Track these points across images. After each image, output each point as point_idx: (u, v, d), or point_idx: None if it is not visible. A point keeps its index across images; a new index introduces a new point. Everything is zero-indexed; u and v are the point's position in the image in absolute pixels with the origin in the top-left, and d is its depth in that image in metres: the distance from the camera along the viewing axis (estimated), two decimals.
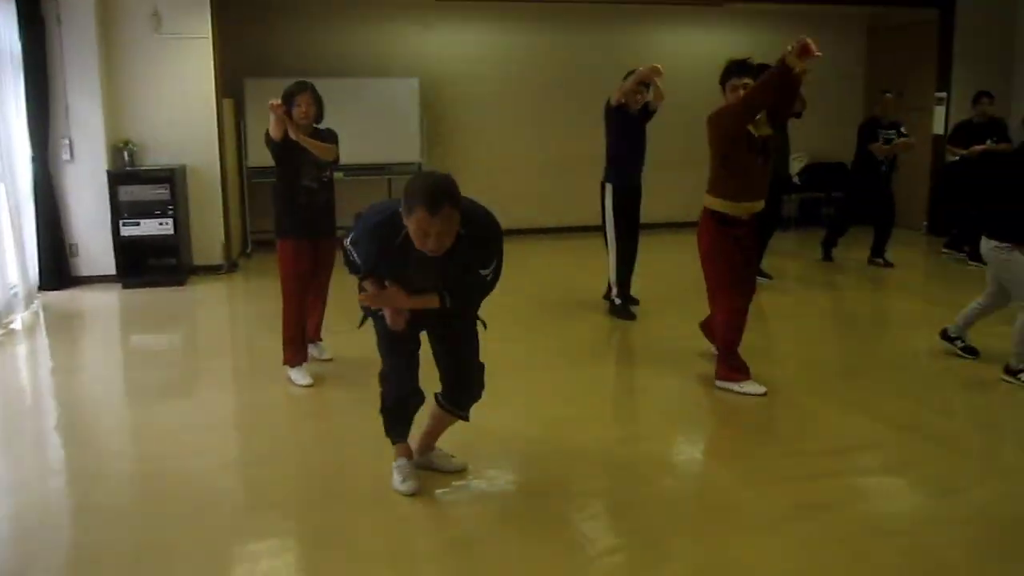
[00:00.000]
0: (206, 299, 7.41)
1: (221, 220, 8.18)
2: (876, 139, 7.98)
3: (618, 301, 6.37)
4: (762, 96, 4.34)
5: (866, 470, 3.80)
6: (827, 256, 8.49)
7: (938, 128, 9.84)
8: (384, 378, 3.47)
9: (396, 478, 3.51)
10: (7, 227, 6.52)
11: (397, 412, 3.50)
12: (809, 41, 4.15)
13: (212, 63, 7.90)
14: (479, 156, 9.78)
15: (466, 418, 3.49)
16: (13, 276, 6.52)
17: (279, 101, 4.62)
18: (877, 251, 8.28)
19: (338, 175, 5.04)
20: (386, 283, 3.13)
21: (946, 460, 3.88)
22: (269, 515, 3.39)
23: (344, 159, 5.14)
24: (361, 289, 3.20)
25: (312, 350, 5.20)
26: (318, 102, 4.77)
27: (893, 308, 7.33)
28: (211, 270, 8.12)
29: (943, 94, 9.80)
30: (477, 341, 3.41)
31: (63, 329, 6.49)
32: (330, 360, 5.28)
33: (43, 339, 6.16)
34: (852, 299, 7.53)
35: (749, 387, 4.66)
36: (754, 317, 4.91)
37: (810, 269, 8.34)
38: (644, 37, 10.32)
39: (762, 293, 5.79)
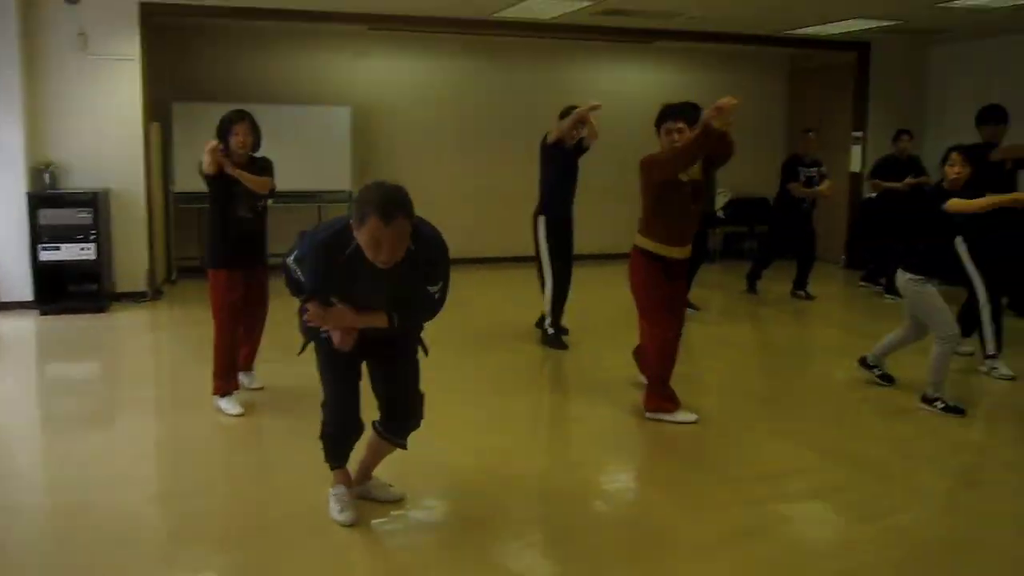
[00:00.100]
0: (129, 327, 7.21)
1: (146, 246, 7.99)
2: (797, 177, 8.25)
3: (551, 331, 6.43)
4: (690, 156, 4.44)
5: (795, 495, 3.90)
6: (751, 288, 8.71)
7: (855, 166, 10.25)
8: (325, 407, 3.42)
9: (333, 507, 3.45)
10: None
11: (337, 439, 3.45)
12: (722, 103, 4.26)
13: (140, 85, 7.76)
14: (410, 185, 9.39)
15: (404, 446, 3.47)
16: None
17: (217, 142, 4.56)
18: (799, 284, 8.54)
19: (269, 202, 5.00)
20: (333, 301, 3.08)
21: (869, 485, 4.00)
22: (199, 548, 3.31)
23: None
24: (303, 310, 3.13)
25: (243, 379, 5.11)
26: (255, 131, 4.72)
27: (815, 339, 7.56)
28: (134, 297, 7.90)
29: (860, 133, 10.22)
30: (418, 370, 3.40)
31: None
32: (261, 389, 5.19)
33: None
34: (776, 330, 7.74)
35: (681, 416, 4.75)
36: (682, 347, 5.01)
37: (735, 301, 8.55)
38: (576, 72, 10.51)
39: (690, 324, 5.91)
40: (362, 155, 9.59)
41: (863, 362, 5.56)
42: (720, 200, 10.33)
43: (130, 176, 7.82)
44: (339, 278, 3.03)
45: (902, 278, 5.10)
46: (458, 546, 3.33)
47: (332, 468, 3.52)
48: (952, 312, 5.12)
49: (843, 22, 8.59)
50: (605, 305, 7.65)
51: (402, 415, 3.39)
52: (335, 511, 3.44)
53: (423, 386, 3.46)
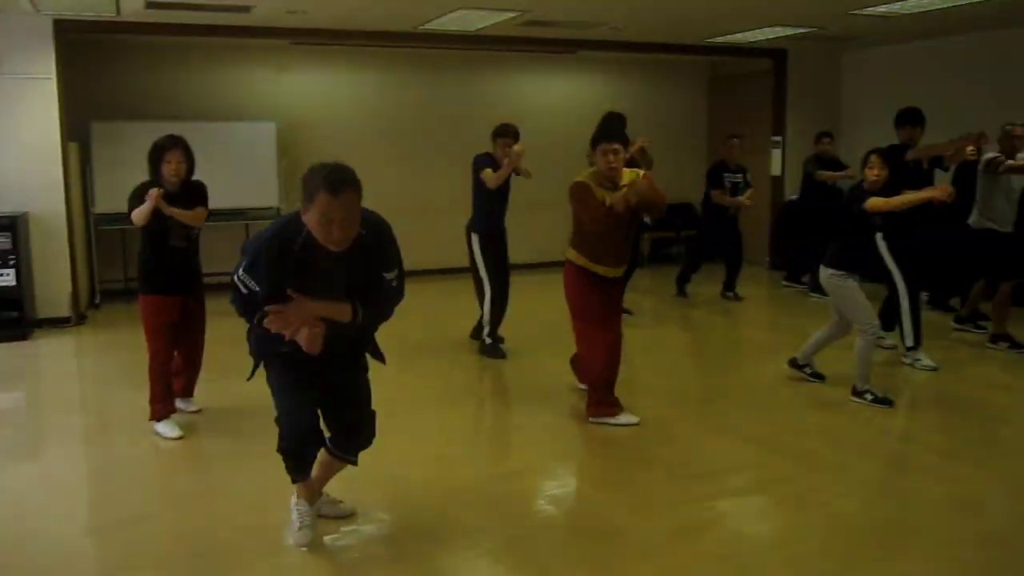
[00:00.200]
0: (54, 354, 6.97)
1: (67, 270, 7.73)
2: (723, 183, 8.45)
3: (488, 341, 6.45)
4: (613, 223, 4.58)
5: (737, 490, 4.00)
6: (681, 292, 8.87)
7: (775, 170, 10.55)
8: (280, 419, 3.26)
9: (294, 522, 3.40)
10: None
11: (296, 451, 3.28)
12: (621, 197, 4.47)
13: (57, 105, 7.53)
14: None
15: (355, 463, 3.44)
16: None
17: (160, 191, 4.43)
18: (728, 286, 8.74)
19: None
20: (290, 295, 2.93)
21: (807, 476, 4.13)
22: None
23: None
24: (256, 328, 3.01)
25: (180, 404, 5.00)
26: (189, 158, 4.62)
27: (746, 338, 7.75)
28: (57, 323, 7.65)
29: (779, 138, 10.53)
30: (369, 388, 3.37)
31: None
32: (199, 411, 5.09)
33: None
34: (708, 331, 7.91)
35: (623, 418, 4.82)
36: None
37: (666, 304, 8.70)
38: (503, 82, 10.60)
39: (623, 328, 5.99)
40: (289, 171, 9.45)
41: (793, 363, 5.72)
42: None
43: (49, 199, 7.57)
44: (294, 272, 2.91)
45: (824, 274, 5.28)
46: (411, 559, 3.32)
47: (294, 481, 3.41)
48: (875, 308, 5.32)
49: (761, 30, 8.85)
50: (540, 313, 7.70)
51: (354, 434, 3.35)
52: (294, 527, 3.38)
53: None
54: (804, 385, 5.60)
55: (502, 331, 6.56)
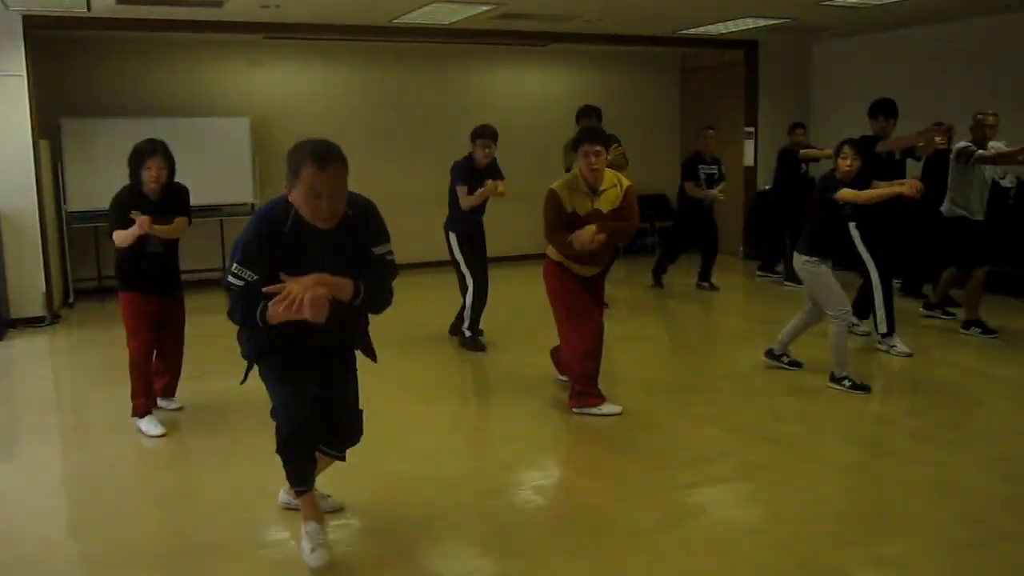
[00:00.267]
0: (29, 354, 6.89)
1: (40, 269, 7.65)
2: (698, 175, 8.53)
3: (468, 334, 6.47)
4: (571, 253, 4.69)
5: (722, 477, 4.05)
6: (657, 283, 8.94)
7: (748, 160, 10.65)
8: (276, 411, 3.10)
9: (305, 546, 3.18)
10: None
11: (297, 443, 3.08)
12: (587, 241, 4.57)
13: (27, 102, 7.43)
14: None
15: (343, 458, 3.44)
16: None
17: (147, 220, 4.42)
18: (704, 276, 8.82)
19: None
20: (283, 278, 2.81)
21: (790, 462, 4.19)
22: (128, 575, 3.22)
23: None
24: (258, 325, 2.87)
25: (161, 402, 4.97)
26: (170, 163, 4.58)
27: (723, 327, 7.83)
28: (31, 323, 7.56)
29: (751, 128, 10.62)
30: (358, 387, 3.36)
31: None
32: (180, 409, 5.06)
33: None
34: (685, 321, 7.99)
35: (606, 408, 4.86)
36: None
37: (643, 295, 8.77)
38: (476, 75, 10.61)
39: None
40: (263, 166, 9.42)
41: (770, 354, 5.79)
42: None
43: (21, 197, 7.47)
44: (285, 256, 2.83)
45: (798, 261, 5.37)
46: (403, 551, 3.34)
47: (299, 494, 3.22)
48: (850, 296, 5.40)
49: (733, 21, 8.91)
50: (519, 305, 7.73)
51: (343, 432, 3.33)
52: (306, 550, 3.17)
53: None
54: (782, 372, 5.68)
55: (481, 324, 6.58)
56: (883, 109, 6.19)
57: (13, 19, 7.34)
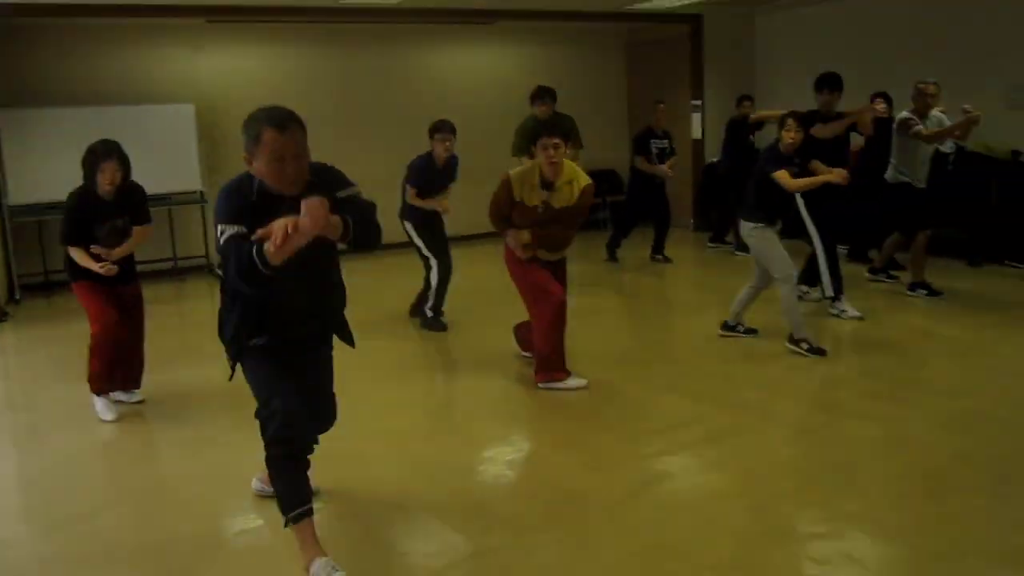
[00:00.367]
0: None
1: None
2: (649, 149, 8.63)
3: (430, 314, 6.49)
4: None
5: (690, 443, 4.15)
6: (612, 257, 9.04)
7: (696, 133, 10.78)
8: (265, 408, 2.94)
9: None
10: None
11: (287, 445, 2.91)
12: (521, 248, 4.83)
13: None
14: None
15: (316, 442, 3.44)
16: None
17: (112, 265, 4.47)
18: (657, 249, 8.94)
19: None
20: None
21: (752, 425, 4.31)
22: (111, 571, 3.20)
23: None
24: (259, 271, 2.58)
25: (122, 395, 4.92)
26: (125, 165, 4.53)
27: (679, 298, 7.96)
28: None
29: (698, 102, 10.74)
30: (333, 374, 3.36)
31: None
32: (142, 402, 5.01)
33: None
34: (642, 294, 8.10)
35: (572, 382, 4.94)
36: None
37: (598, 270, 8.85)
38: (421, 56, 10.53)
39: None
40: (210, 153, 9.27)
41: (725, 326, 5.91)
42: None
43: None
44: (256, 226, 2.62)
45: (744, 228, 5.51)
46: (383, 531, 3.38)
47: (296, 521, 2.94)
48: (797, 264, 5.54)
49: None
50: (477, 284, 7.75)
51: (318, 418, 3.31)
52: None
53: None
54: (739, 340, 5.81)
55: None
56: (828, 83, 6.27)
57: None
